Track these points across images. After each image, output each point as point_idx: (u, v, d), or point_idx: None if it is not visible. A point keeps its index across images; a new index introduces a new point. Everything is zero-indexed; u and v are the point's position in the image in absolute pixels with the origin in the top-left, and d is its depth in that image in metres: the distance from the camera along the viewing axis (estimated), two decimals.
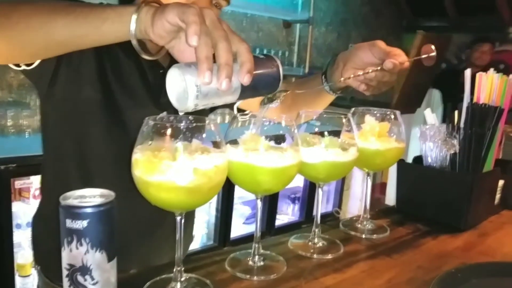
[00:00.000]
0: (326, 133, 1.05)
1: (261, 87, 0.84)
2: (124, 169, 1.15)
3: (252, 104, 1.42)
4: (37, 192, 2.55)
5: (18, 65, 1.06)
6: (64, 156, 1.19)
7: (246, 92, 0.80)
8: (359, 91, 1.16)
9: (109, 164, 1.18)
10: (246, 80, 0.75)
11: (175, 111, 1.23)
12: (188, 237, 1.49)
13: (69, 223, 0.71)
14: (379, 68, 1.08)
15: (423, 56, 1.15)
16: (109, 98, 1.14)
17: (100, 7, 0.84)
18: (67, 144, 1.18)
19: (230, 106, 1.45)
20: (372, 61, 1.11)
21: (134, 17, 0.78)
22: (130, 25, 0.78)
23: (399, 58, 1.06)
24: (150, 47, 0.88)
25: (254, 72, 0.76)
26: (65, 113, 1.16)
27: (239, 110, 1.44)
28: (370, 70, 1.09)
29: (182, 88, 0.74)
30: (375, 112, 1.19)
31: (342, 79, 1.14)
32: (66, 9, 0.84)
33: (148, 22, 0.76)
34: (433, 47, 1.15)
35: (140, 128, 0.81)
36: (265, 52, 4.14)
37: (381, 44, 1.10)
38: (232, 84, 0.74)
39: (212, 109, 1.43)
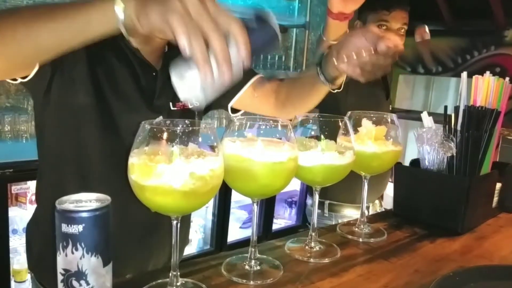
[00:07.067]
0: (322, 136, 1.04)
1: (261, 52, 0.84)
2: (119, 173, 1.14)
3: (246, 103, 1.41)
4: (34, 197, 2.53)
5: (14, 79, 1.06)
6: (60, 162, 1.19)
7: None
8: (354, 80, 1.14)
9: (105, 169, 1.18)
10: (246, 62, 0.75)
11: (169, 114, 1.23)
12: (183, 241, 1.48)
13: (65, 228, 0.70)
14: (373, 51, 1.06)
15: (418, 41, 1.14)
16: (103, 103, 1.14)
17: (81, 5, 0.82)
18: (62, 150, 1.18)
19: (223, 106, 1.43)
20: (366, 46, 1.08)
21: (120, 17, 0.77)
22: (117, 23, 0.77)
23: (393, 41, 1.05)
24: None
25: (252, 45, 0.76)
26: (60, 120, 1.16)
27: (233, 109, 1.44)
28: (364, 54, 1.07)
29: (190, 90, 0.76)
30: (372, 115, 1.19)
31: (336, 62, 1.12)
32: (49, 14, 0.83)
33: (135, 20, 0.76)
34: (427, 30, 1.13)
35: (135, 132, 0.81)
36: (261, 57, 4.15)
37: (374, 29, 1.10)
38: (233, 68, 0.74)
39: (206, 110, 1.42)
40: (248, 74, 1.38)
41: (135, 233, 1.24)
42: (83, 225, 0.70)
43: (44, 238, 1.24)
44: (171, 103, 1.25)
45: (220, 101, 1.41)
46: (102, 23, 0.80)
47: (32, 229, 1.32)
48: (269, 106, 1.41)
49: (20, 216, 2.57)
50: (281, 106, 1.36)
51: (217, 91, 0.77)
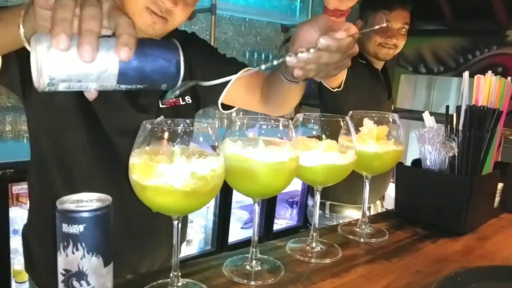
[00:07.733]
0: (324, 136, 1.04)
1: (151, 74, 0.70)
2: (108, 173, 1.14)
3: (235, 99, 1.37)
4: None
5: None
6: (47, 163, 1.19)
7: (129, 75, 0.68)
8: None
9: (92, 169, 1.17)
10: (122, 55, 0.63)
11: (158, 113, 1.21)
12: (181, 240, 1.47)
13: (66, 228, 0.70)
14: (314, 48, 0.82)
15: (376, 27, 0.99)
16: (85, 103, 1.12)
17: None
18: (49, 151, 1.18)
19: (214, 102, 1.37)
20: (311, 41, 0.84)
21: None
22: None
23: (337, 33, 0.80)
24: None
25: (141, 52, 0.67)
26: (43, 121, 1.16)
27: (224, 106, 1.38)
28: (300, 51, 0.83)
29: (37, 59, 0.63)
30: (373, 115, 1.19)
31: (268, 64, 0.87)
32: None
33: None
34: (384, 17, 1.04)
35: (121, 131, 0.79)
36: (262, 56, 4.15)
37: (324, 17, 0.87)
38: (104, 59, 0.64)
39: (197, 107, 1.39)
40: (234, 68, 1.31)
41: (130, 233, 1.23)
42: (84, 225, 0.70)
43: (40, 240, 1.24)
44: (160, 101, 1.23)
45: (211, 97, 1.35)
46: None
47: (27, 231, 1.32)
48: (255, 101, 1.33)
49: (21, 216, 2.56)
50: (265, 102, 1.29)
51: (69, 81, 0.65)
